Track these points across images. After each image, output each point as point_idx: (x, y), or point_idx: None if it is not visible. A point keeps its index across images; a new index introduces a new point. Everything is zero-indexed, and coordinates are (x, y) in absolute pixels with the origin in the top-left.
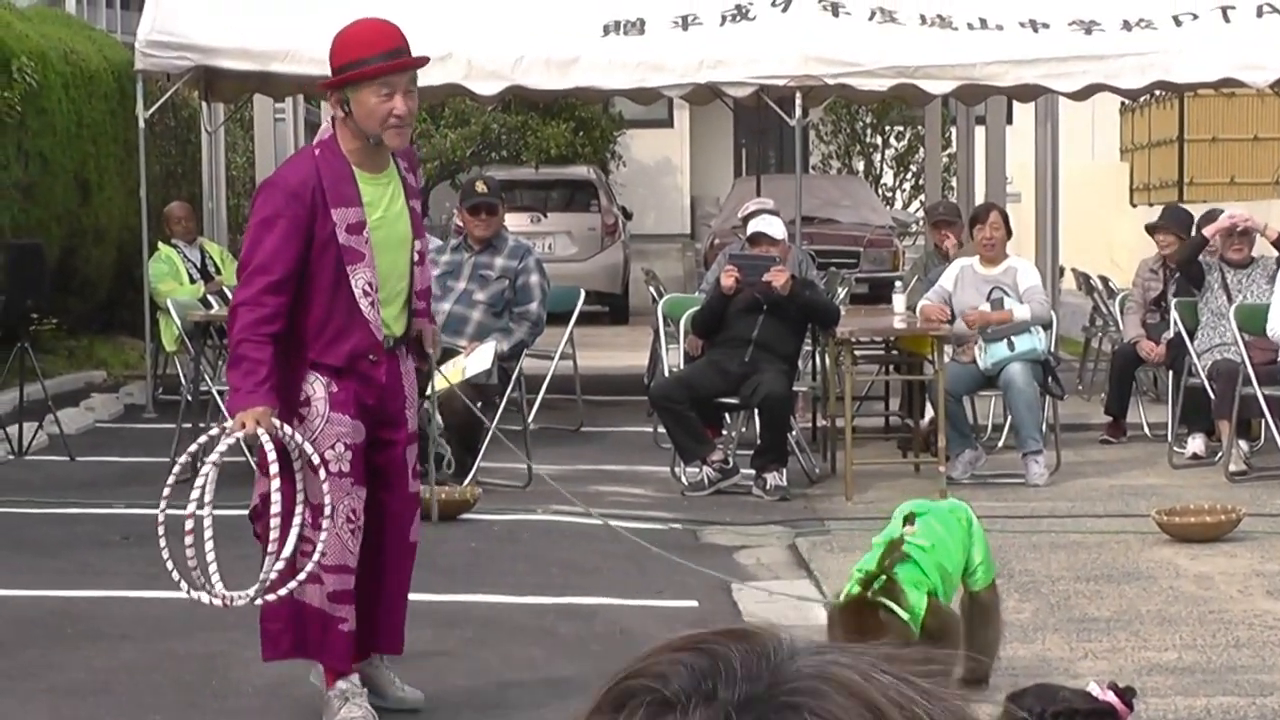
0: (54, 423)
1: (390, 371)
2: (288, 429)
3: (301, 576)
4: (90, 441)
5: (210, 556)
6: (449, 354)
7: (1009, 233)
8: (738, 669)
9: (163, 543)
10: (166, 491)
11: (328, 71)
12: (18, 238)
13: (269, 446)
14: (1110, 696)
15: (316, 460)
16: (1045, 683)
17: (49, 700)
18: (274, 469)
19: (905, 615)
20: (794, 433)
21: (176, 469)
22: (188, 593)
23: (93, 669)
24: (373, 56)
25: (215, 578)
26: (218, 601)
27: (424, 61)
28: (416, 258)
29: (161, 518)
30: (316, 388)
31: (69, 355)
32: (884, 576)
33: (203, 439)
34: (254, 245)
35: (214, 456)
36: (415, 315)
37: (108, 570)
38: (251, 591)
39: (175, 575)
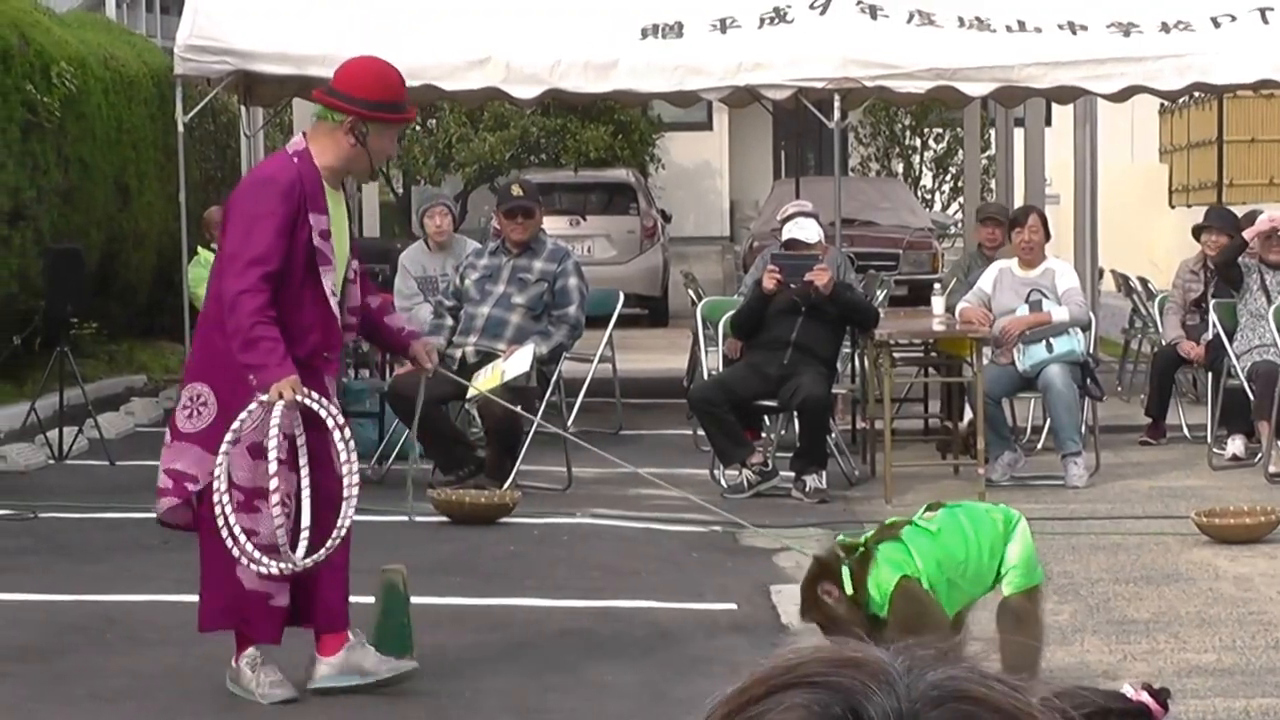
0: (94, 427)
1: (329, 368)
2: (314, 395)
3: (318, 555)
4: (130, 446)
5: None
6: (488, 357)
7: (1048, 235)
8: (870, 706)
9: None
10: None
11: None
12: (58, 243)
13: (275, 424)
14: (1145, 697)
15: (332, 424)
16: (1078, 685)
17: (90, 705)
18: (277, 453)
19: (850, 590)
20: (833, 435)
21: (224, 448)
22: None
23: (133, 673)
24: (403, 103)
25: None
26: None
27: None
28: (352, 275)
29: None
30: (255, 411)
31: (109, 360)
32: (863, 549)
33: (243, 414)
34: (246, 237)
35: (273, 429)
36: (346, 330)
37: (148, 574)
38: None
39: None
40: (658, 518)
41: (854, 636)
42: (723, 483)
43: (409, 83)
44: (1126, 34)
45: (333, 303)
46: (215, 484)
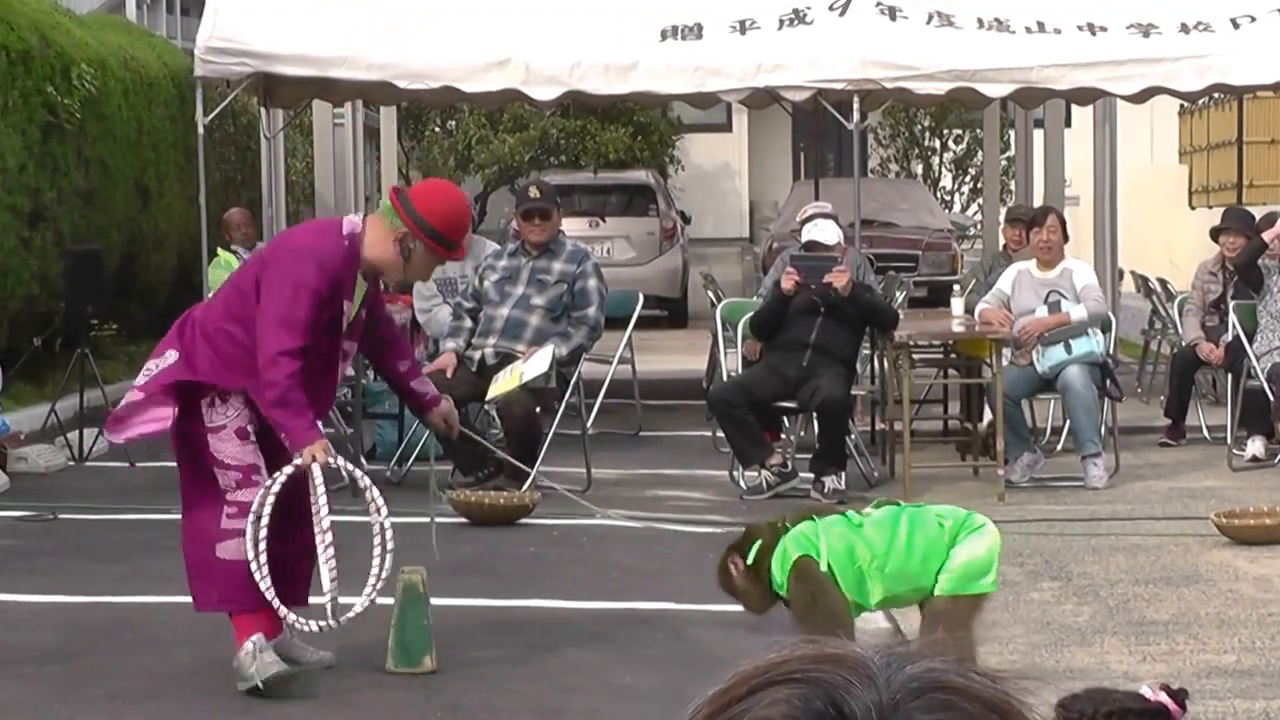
0: None
1: None
2: (340, 459)
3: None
4: (150, 448)
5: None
6: (507, 359)
7: (1066, 236)
8: (851, 700)
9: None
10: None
11: (387, 78)
12: (78, 244)
13: (318, 477)
14: (1163, 698)
15: (364, 483)
16: (1097, 686)
17: (109, 705)
18: (324, 499)
19: (751, 562)
20: (852, 436)
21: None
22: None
23: (152, 674)
24: (458, 241)
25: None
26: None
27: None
28: (343, 354)
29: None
30: (233, 403)
31: (129, 361)
32: (781, 525)
33: (281, 477)
34: (293, 301)
35: (319, 489)
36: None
37: (166, 576)
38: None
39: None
40: (677, 519)
41: (752, 609)
42: (742, 484)
43: (429, 84)
44: (1146, 35)
45: (335, 376)
46: (253, 538)
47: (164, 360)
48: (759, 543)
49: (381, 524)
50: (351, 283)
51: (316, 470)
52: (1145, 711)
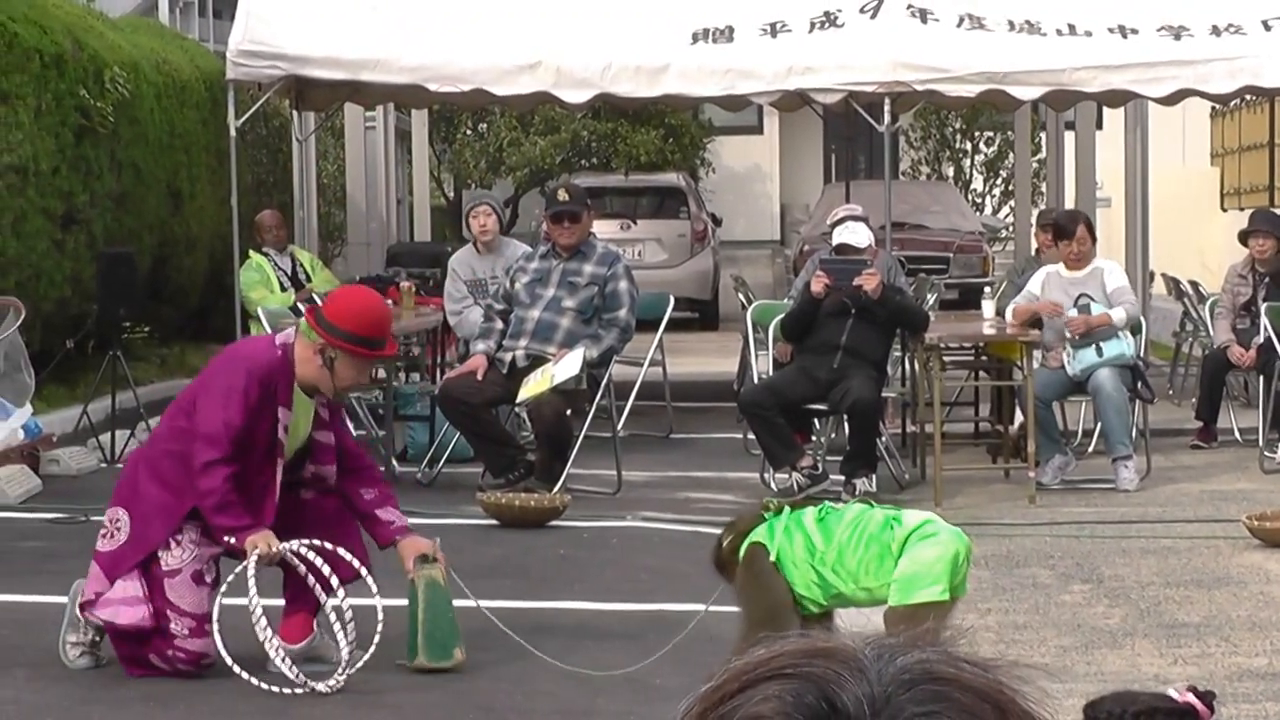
0: (146, 430)
1: None
2: (291, 543)
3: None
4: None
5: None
6: (538, 361)
7: (1094, 238)
8: (843, 693)
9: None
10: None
11: (418, 81)
12: (110, 247)
13: (252, 568)
14: (1191, 699)
15: (314, 555)
16: (1124, 690)
17: (141, 706)
18: (254, 588)
19: (726, 543)
20: (883, 438)
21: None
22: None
23: (184, 676)
24: (380, 341)
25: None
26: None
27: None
28: (314, 476)
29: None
30: (186, 539)
31: (161, 363)
32: (764, 512)
33: (230, 578)
34: (224, 408)
35: (252, 587)
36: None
37: None
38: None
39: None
40: (707, 520)
41: (728, 582)
42: (772, 486)
43: (461, 87)
44: (1177, 37)
45: (274, 490)
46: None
47: (119, 524)
48: (739, 526)
49: (339, 608)
50: (287, 391)
51: (252, 564)
52: (1173, 712)
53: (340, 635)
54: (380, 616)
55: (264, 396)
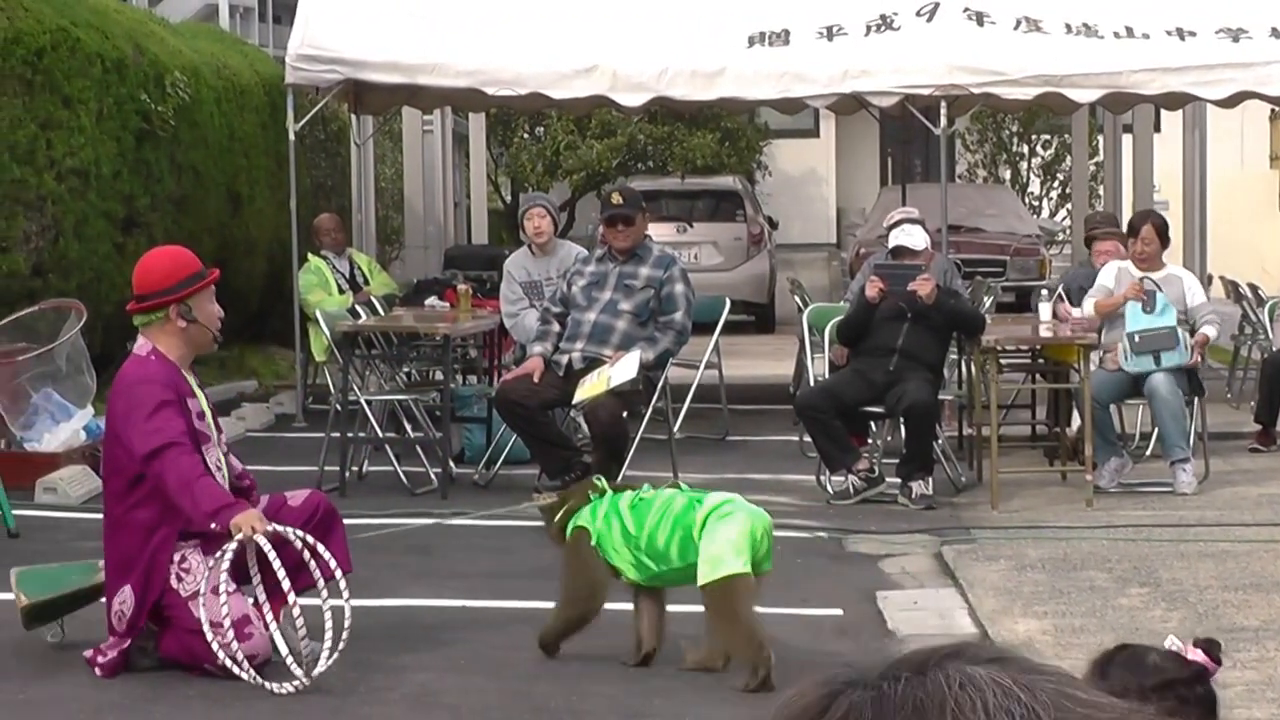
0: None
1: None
2: (278, 525)
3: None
4: (241, 450)
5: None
6: (594, 363)
7: (1164, 242)
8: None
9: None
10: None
11: (475, 84)
12: None
13: (266, 545)
14: (1200, 655)
15: (301, 544)
16: (1128, 646)
17: (200, 705)
18: (278, 563)
19: (556, 519)
20: (939, 441)
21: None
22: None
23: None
24: (196, 273)
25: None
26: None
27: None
28: (223, 449)
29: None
30: (193, 559)
31: (220, 365)
32: (592, 492)
33: (227, 554)
34: (149, 420)
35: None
36: (241, 492)
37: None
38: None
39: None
40: None
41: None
42: (829, 489)
43: (517, 91)
44: (1235, 39)
45: (218, 476)
46: (217, 619)
47: (123, 598)
48: (569, 505)
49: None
50: (183, 384)
51: (262, 541)
52: (1190, 679)
53: (301, 634)
54: (348, 617)
55: (176, 394)
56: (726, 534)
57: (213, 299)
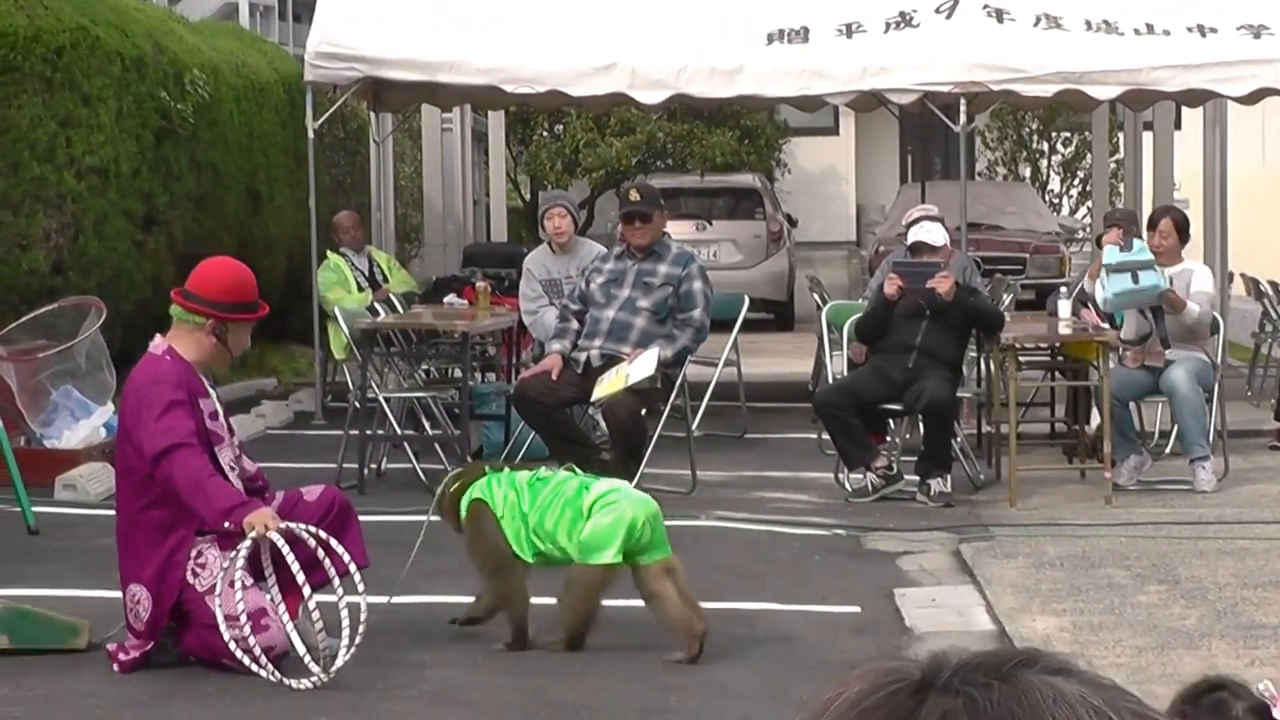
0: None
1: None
2: (290, 523)
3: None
4: (260, 448)
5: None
6: (613, 361)
7: (1184, 239)
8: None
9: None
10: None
11: (494, 82)
12: (190, 248)
13: (280, 542)
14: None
15: (314, 542)
16: (1218, 690)
17: (219, 701)
18: (294, 562)
19: (450, 491)
20: (958, 439)
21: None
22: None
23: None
24: (255, 303)
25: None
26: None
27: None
28: (236, 450)
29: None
30: (209, 555)
31: (240, 363)
32: (487, 469)
33: (242, 552)
34: (161, 419)
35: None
36: (254, 493)
37: None
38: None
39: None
40: (781, 520)
41: (454, 530)
42: (847, 486)
43: (536, 88)
44: (1257, 35)
45: (232, 476)
46: (231, 611)
47: (136, 595)
48: (463, 478)
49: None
50: (198, 382)
51: (276, 538)
52: None
53: (316, 630)
54: (364, 614)
55: (189, 395)
56: (605, 523)
57: (249, 332)
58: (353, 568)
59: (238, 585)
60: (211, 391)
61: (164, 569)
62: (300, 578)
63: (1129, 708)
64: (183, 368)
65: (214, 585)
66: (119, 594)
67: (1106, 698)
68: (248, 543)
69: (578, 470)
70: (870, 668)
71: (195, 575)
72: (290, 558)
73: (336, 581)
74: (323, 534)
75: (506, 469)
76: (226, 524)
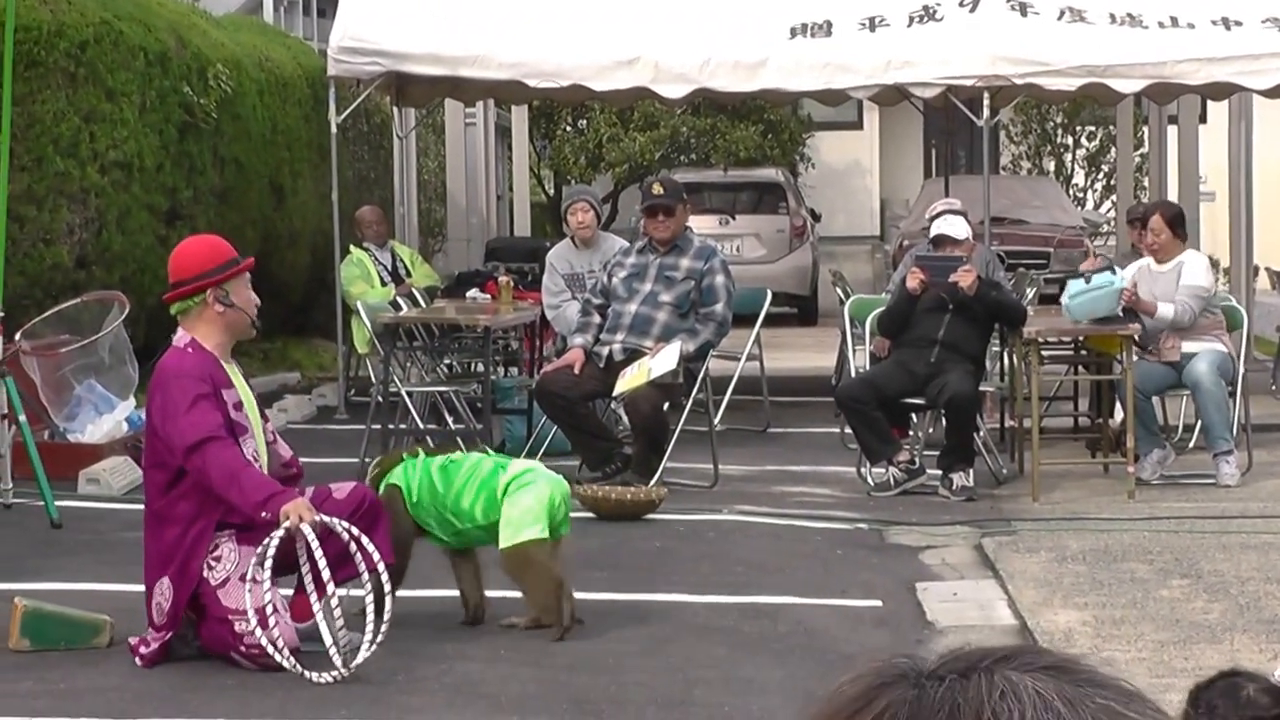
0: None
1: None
2: (324, 516)
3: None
4: (284, 442)
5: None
6: (635, 355)
7: (1178, 233)
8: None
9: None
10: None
11: (517, 76)
12: None
13: (311, 535)
14: None
15: (348, 536)
16: (1231, 678)
17: (239, 693)
18: (320, 556)
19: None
20: (981, 433)
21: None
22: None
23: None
24: (234, 259)
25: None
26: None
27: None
28: (270, 437)
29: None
30: (225, 548)
31: (263, 357)
32: (407, 454)
33: (273, 541)
34: (189, 413)
35: (314, 547)
36: (288, 481)
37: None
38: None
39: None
40: (803, 514)
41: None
42: (870, 480)
43: (559, 83)
44: None
45: (256, 467)
46: (260, 606)
47: (162, 590)
48: (384, 464)
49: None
50: (221, 372)
51: (307, 530)
52: None
53: (368, 623)
54: (389, 609)
55: (213, 387)
56: (526, 501)
57: (249, 286)
58: (381, 566)
59: (249, 579)
60: (237, 381)
61: (185, 560)
62: (326, 573)
63: (1099, 704)
64: (206, 359)
65: (226, 579)
66: (141, 588)
67: (1068, 693)
68: (280, 532)
69: (489, 451)
70: (870, 666)
71: (209, 568)
72: (318, 551)
73: (365, 577)
74: (355, 530)
75: (422, 455)
76: (264, 514)
